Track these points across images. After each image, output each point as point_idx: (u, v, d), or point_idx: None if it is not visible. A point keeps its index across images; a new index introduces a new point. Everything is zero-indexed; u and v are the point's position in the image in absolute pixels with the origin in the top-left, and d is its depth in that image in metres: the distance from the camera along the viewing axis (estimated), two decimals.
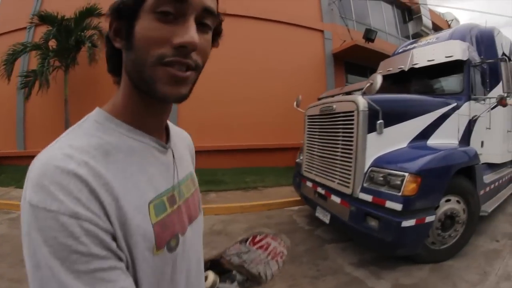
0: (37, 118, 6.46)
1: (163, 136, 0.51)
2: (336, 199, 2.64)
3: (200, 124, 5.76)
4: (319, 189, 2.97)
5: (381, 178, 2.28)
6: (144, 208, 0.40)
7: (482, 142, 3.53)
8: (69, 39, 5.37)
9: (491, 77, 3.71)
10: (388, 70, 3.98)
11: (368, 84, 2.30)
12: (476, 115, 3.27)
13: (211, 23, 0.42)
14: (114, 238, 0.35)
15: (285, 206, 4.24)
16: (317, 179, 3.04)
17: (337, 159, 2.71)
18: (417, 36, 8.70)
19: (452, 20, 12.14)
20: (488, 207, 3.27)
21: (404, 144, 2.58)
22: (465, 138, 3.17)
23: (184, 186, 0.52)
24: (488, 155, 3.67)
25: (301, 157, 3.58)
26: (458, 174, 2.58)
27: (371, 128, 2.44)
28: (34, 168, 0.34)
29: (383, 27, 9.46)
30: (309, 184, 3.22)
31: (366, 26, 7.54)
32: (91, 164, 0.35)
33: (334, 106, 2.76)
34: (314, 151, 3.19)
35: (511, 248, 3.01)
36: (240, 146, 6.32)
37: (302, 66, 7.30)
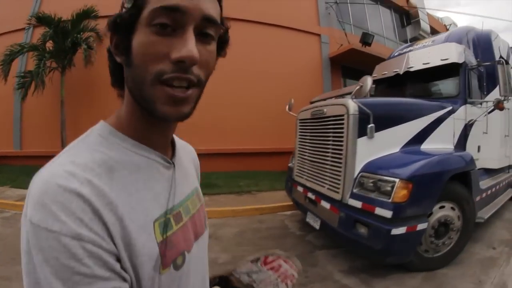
0: (33, 118, 6.41)
1: (168, 151, 0.49)
2: (325, 204, 2.53)
3: (194, 127, 5.63)
4: (310, 194, 2.86)
5: (371, 184, 2.17)
6: (149, 227, 0.38)
7: (479, 147, 3.41)
8: (66, 40, 5.32)
9: (488, 81, 3.60)
10: (383, 74, 3.88)
11: (357, 87, 2.19)
12: (472, 119, 3.16)
13: (214, 33, 0.39)
14: (118, 259, 0.33)
15: (277, 210, 4.13)
16: (308, 184, 2.93)
17: (327, 164, 2.60)
18: (415, 40, 8.61)
19: (450, 24, 12.04)
20: (484, 214, 3.16)
21: (396, 149, 2.46)
22: (461, 142, 3.05)
23: (190, 202, 0.50)
24: (485, 160, 3.55)
25: (293, 162, 3.48)
26: (453, 180, 2.47)
27: (362, 132, 2.33)
28: (36, 185, 0.32)
29: (381, 31, 9.36)
30: (300, 189, 3.11)
31: (363, 30, 7.44)
32: (95, 182, 0.34)
33: (325, 110, 2.66)
34: (305, 155, 3.09)
35: (508, 255, 2.90)
36: (235, 150, 6.22)
37: (298, 70, 7.20)
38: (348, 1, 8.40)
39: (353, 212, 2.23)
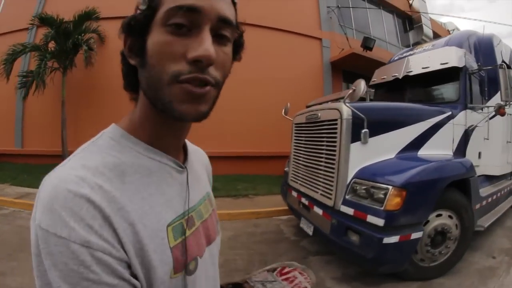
0: (35, 117, 6.42)
1: (180, 155, 0.48)
2: (318, 210, 2.44)
3: (193, 131, 5.54)
4: (303, 200, 2.77)
5: (364, 191, 2.08)
6: (162, 232, 0.38)
7: (480, 153, 3.29)
8: (67, 41, 5.33)
9: (490, 86, 3.49)
10: (382, 78, 3.78)
11: (350, 91, 2.11)
12: (473, 125, 3.04)
13: (230, 35, 0.38)
14: (129, 266, 0.33)
15: (273, 215, 4.04)
16: (302, 189, 2.84)
17: (320, 169, 2.51)
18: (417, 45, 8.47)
19: (453, 29, 11.84)
20: (484, 222, 3.04)
21: (392, 155, 2.37)
22: (461, 149, 2.94)
23: (202, 207, 0.50)
24: (486, 166, 3.43)
25: (289, 166, 3.39)
26: (451, 187, 2.36)
27: (356, 137, 2.24)
28: (45, 189, 0.32)
29: (383, 36, 9.23)
30: (294, 194, 3.02)
31: (365, 35, 7.32)
32: (106, 187, 0.33)
33: (319, 114, 2.57)
34: (299, 160, 3.00)
35: (508, 265, 2.78)
36: (234, 153, 6.14)
37: (299, 74, 7.11)
38: (351, 6, 8.30)
39: (345, 219, 2.14)
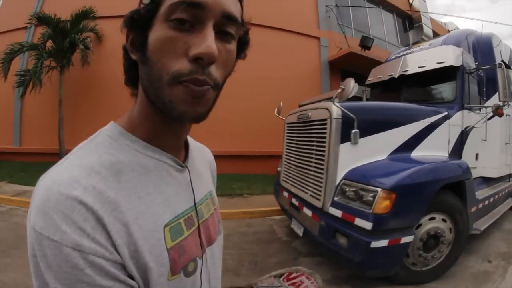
0: (33, 116, 6.39)
1: (181, 153, 0.47)
2: (308, 212, 2.35)
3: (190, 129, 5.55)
4: (294, 200, 2.68)
5: (353, 193, 1.99)
6: (158, 232, 0.36)
7: (477, 155, 3.19)
8: (64, 40, 5.29)
9: (488, 86, 3.38)
10: (378, 78, 3.67)
11: (339, 90, 2.01)
12: (470, 126, 2.93)
13: (234, 32, 0.37)
14: (124, 268, 0.32)
15: (267, 215, 3.96)
16: (293, 189, 2.75)
17: (310, 170, 2.42)
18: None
19: (454, 29, 11.61)
20: (481, 225, 2.93)
21: (383, 156, 2.27)
22: (457, 150, 2.83)
23: (204, 206, 0.48)
24: (483, 168, 3.32)
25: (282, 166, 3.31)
26: (445, 190, 2.27)
27: (346, 137, 2.14)
28: (39, 191, 0.31)
29: (382, 36, 9.07)
30: (285, 194, 2.94)
31: (365, 34, 7.16)
32: (100, 188, 0.32)
33: (310, 114, 2.48)
34: (291, 160, 2.91)
35: (504, 269, 2.69)
36: (230, 152, 6.02)
37: (296, 73, 6.98)
38: (350, 5, 8.14)
39: (333, 221, 2.05)
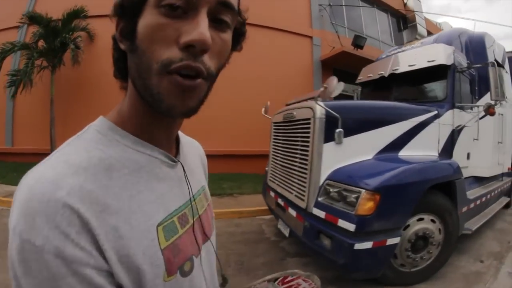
0: (25, 116, 6.28)
1: (172, 148, 0.44)
2: (292, 212, 2.27)
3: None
4: (279, 200, 2.60)
5: (336, 193, 1.90)
6: (151, 232, 0.34)
7: (468, 154, 3.10)
8: (55, 40, 5.20)
9: (481, 85, 3.30)
10: (369, 76, 3.59)
11: (321, 89, 1.93)
12: (460, 125, 2.85)
13: (230, 20, 0.34)
14: (111, 274, 0.30)
15: (256, 214, 3.87)
16: (279, 189, 2.67)
17: (295, 170, 2.34)
18: None
19: None
20: (472, 225, 2.86)
21: (370, 156, 2.18)
22: (447, 149, 2.75)
23: (197, 202, 0.46)
24: (475, 168, 3.24)
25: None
26: (434, 190, 2.18)
27: (330, 137, 2.05)
28: (21, 191, 0.29)
29: (376, 35, 8.96)
30: (272, 194, 2.85)
31: (358, 34, 7.06)
32: (87, 187, 0.30)
33: (295, 113, 2.40)
34: (277, 160, 2.83)
35: (496, 270, 2.62)
36: (221, 152, 5.90)
37: (288, 73, 6.85)
38: (343, 4, 8.04)
39: (317, 222, 1.97)
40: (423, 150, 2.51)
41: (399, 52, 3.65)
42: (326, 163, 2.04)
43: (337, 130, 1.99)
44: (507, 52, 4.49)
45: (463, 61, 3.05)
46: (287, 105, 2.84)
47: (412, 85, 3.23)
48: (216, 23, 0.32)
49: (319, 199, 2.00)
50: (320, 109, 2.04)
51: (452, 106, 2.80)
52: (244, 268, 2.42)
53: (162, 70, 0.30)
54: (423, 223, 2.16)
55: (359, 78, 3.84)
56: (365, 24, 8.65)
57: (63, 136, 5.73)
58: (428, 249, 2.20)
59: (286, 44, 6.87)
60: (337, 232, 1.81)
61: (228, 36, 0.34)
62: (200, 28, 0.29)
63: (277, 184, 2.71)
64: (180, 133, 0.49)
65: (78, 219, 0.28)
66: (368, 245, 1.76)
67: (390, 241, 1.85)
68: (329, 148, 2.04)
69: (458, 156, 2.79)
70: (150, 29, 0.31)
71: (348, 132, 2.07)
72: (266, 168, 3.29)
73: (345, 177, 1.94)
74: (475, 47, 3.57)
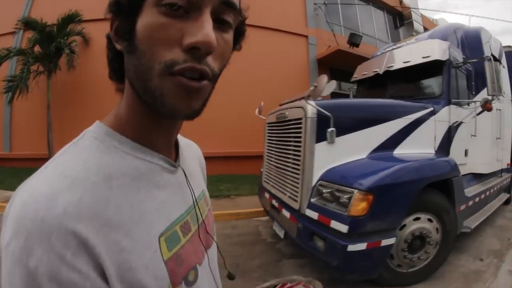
0: (22, 121, 6.26)
1: (172, 153, 0.42)
2: (286, 213, 2.22)
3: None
4: (274, 202, 2.54)
5: (329, 194, 1.84)
6: (153, 244, 0.32)
7: (466, 151, 3.03)
8: (51, 45, 5.18)
9: (478, 80, 3.23)
10: (364, 74, 3.52)
11: (311, 88, 1.87)
12: (457, 121, 2.78)
13: (232, 20, 0.32)
14: None
15: (253, 216, 3.81)
16: (273, 190, 2.61)
17: (288, 170, 2.28)
18: None
19: None
20: (471, 223, 2.80)
21: (364, 155, 2.12)
22: (444, 146, 2.68)
23: (199, 208, 0.43)
24: (473, 164, 3.17)
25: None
26: (431, 188, 2.12)
27: (322, 136, 2.00)
28: (14, 207, 0.27)
29: (373, 33, 8.86)
30: (266, 195, 2.80)
31: (355, 32, 6.99)
32: (86, 201, 0.27)
33: (287, 113, 2.34)
34: (271, 160, 2.77)
35: (496, 268, 2.55)
36: (218, 153, 5.84)
37: (284, 72, 6.77)
38: (339, 2, 7.96)
39: (310, 224, 1.91)
40: (419, 147, 2.45)
41: (394, 49, 3.58)
42: (318, 163, 1.98)
43: (329, 129, 1.93)
44: (504, 46, 4.42)
45: (458, 57, 2.99)
46: (280, 105, 2.79)
47: (408, 82, 3.17)
48: (218, 23, 0.31)
49: (312, 200, 1.94)
50: (311, 108, 1.98)
51: (448, 102, 2.74)
52: (239, 271, 2.36)
53: (165, 71, 0.29)
54: (419, 223, 2.10)
55: (354, 76, 3.78)
56: (361, 22, 8.56)
57: (60, 141, 5.72)
58: (426, 249, 2.14)
59: (281, 44, 6.79)
60: (330, 233, 1.75)
61: (230, 36, 0.33)
62: (205, 29, 0.28)
63: (272, 185, 2.65)
64: (178, 135, 0.46)
65: (75, 239, 0.26)
66: (362, 246, 1.70)
67: (385, 242, 1.80)
68: (321, 148, 1.99)
69: (456, 153, 2.73)
70: (151, 29, 0.29)
71: (341, 131, 2.01)
72: (261, 169, 3.24)
73: (338, 177, 1.88)
74: (471, 42, 3.50)
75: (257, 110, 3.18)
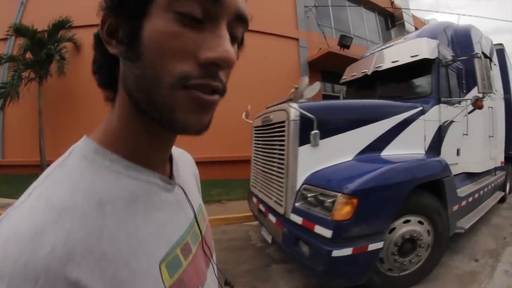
0: (15, 128, 6.19)
1: (167, 168, 0.38)
2: (272, 218, 2.13)
3: None
4: (261, 206, 2.46)
5: (313, 198, 1.76)
6: (154, 271, 0.29)
7: (458, 150, 2.96)
8: (41, 51, 5.13)
9: (468, 78, 3.16)
10: (352, 75, 3.46)
11: (292, 90, 1.80)
12: (447, 120, 2.71)
13: (241, 34, 0.31)
14: None
15: (244, 220, 3.71)
16: (260, 195, 2.52)
17: (273, 175, 2.20)
18: None
19: None
20: (465, 223, 2.72)
21: (350, 157, 2.04)
22: (434, 146, 2.61)
23: (199, 226, 0.41)
24: (466, 164, 3.10)
25: None
26: (420, 190, 2.04)
27: (306, 139, 1.92)
28: None
29: (364, 34, 8.81)
30: (254, 200, 2.71)
31: (346, 34, 6.94)
32: (76, 235, 0.24)
33: (271, 116, 2.26)
34: (258, 165, 2.69)
35: (492, 268, 2.47)
36: (209, 158, 5.75)
37: (275, 75, 6.68)
38: (330, 4, 7.93)
39: (295, 229, 1.82)
40: (408, 148, 2.37)
41: (382, 49, 3.52)
42: (302, 167, 1.90)
43: (313, 132, 1.85)
44: (495, 44, 4.37)
45: (448, 55, 2.92)
46: (267, 108, 2.72)
47: (397, 81, 3.10)
48: (231, 37, 0.29)
49: (296, 204, 1.86)
50: (294, 111, 1.90)
51: (438, 101, 2.67)
52: (226, 276, 2.29)
53: (178, 84, 0.26)
54: (410, 225, 2.01)
55: (343, 77, 3.72)
56: (352, 24, 8.52)
57: (53, 147, 5.67)
58: (417, 252, 2.06)
59: (272, 47, 6.72)
60: (314, 238, 1.67)
61: (236, 48, 0.32)
62: (226, 45, 0.26)
63: (259, 190, 2.56)
64: None
65: (65, 283, 0.22)
66: (347, 251, 1.62)
67: (372, 247, 1.70)
68: (305, 150, 1.90)
69: (447, 152, 2.66)
70: (162, 37, 0.26)
71: (326, 133, 1.93)
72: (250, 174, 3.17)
73: (322, 180, 1.80)
74: (461, 40, 3.44)
75: (244, 114, 3.10)
